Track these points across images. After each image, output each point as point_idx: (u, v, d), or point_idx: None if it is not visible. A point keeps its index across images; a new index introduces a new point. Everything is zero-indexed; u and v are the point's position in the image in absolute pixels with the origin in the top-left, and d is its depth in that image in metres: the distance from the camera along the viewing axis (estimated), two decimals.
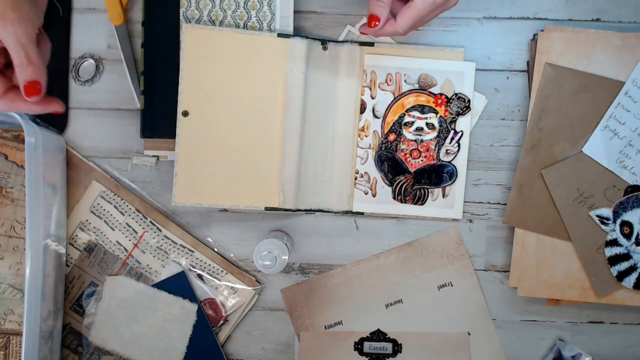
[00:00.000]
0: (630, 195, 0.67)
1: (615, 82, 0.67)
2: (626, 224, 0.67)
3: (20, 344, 0.72)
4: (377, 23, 0.57)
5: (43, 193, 0.65)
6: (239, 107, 0.68)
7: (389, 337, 0.72)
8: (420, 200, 0.70)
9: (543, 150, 0.68)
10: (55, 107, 0.54)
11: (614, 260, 0.68)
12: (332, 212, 0.71)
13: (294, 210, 0.69)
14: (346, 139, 0.70)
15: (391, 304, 0.72)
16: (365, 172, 0.70)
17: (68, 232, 0.72)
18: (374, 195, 0.70)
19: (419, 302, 0.72)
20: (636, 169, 0.67)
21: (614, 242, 0.68)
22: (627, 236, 0.67)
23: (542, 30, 0.68)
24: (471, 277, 0.72)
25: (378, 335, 0.72)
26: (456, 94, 0.69)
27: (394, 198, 0.70)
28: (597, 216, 0.67)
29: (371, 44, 0.69)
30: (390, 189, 0.70)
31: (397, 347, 0.72)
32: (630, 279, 0.68)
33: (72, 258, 0.72)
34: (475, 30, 0.71)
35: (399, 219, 0.72)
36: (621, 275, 0.68)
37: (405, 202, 0.70)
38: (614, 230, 0.68)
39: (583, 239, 0.68)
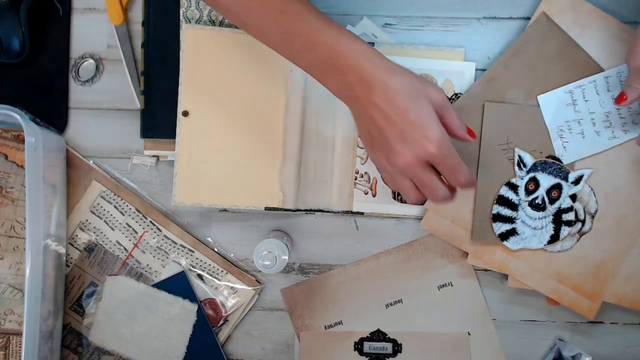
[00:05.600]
0: (553, 162, 0.67)
1: (596, 65, 0.67)
2: (534, 181, 0.67)
3: (20, 344, 0.72)
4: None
5: (43, 193, 0.65)
6: (239, 107, 0.68)
7: (389, 337, 0.72)
8: None
9: (497, 87, 0.68)
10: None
11: (501, 202, 0.67)
12: (332, 212, 0.71)
13: (294, 210, 0.69)
14: (346, 139, 0.70)
15: (391, 304, 0.72)
16: (365, 172, 0.70)
17: (68, 232, 0.72)
18: (374, 195, 0.70)
19: (419, 302, 0.72)
20: (569, 145, 0.67)
21: (514, 187, 0.67)
22: (529, 192, 0.67)
23: None
24: (471, 277, 0.72)
25: (378, 335, 0.72)
26: (456, 94, 0.69)
27: (394, 198, 0.70)
28: (520, 156, 0.67)
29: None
30: (390, 188, 0.70)
31: (397, 347, 0.72)
32: (502, 228, 0.68)
33: (72, 258, 0.72)
34: (475, 30, 0.71)
35: (399, 219, 0.72)
36: (500, 225, 0.68)
37: (405, 202, 0.70)
38: (522, 179, 0.67)
39: (490, 172, 0.67)
